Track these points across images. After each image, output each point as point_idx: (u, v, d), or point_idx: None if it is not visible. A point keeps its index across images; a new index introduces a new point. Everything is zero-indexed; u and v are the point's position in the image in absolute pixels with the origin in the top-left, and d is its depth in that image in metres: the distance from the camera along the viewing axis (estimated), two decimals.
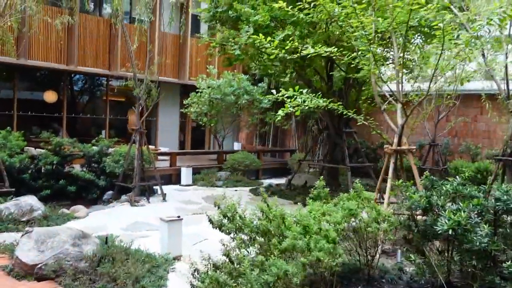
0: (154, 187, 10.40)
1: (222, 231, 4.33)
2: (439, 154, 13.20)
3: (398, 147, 6.06)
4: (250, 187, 12.53)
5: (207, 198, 10.46)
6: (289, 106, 6.04)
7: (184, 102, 14.75)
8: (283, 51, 8.34)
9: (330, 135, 11.34)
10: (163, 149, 14.06)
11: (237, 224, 4.22)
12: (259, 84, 15.02)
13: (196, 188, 11.99)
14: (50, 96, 13.89)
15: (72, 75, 14.55)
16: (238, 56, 9.09)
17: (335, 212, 4.30)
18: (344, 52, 6.30)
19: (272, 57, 8.38)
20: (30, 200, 7.45)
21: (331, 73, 10.62)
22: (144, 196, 9.85)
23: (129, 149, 9.84)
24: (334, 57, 6.36)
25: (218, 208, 4.46)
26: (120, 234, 6.94)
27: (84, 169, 9.94)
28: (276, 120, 6.71)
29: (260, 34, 6.54)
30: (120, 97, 15.85)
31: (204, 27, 17.38)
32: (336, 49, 5.76)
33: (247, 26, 8.59)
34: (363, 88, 11.22)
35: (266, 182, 13.91)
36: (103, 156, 10.09)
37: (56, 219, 7.55)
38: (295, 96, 6.46)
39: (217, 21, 9.67)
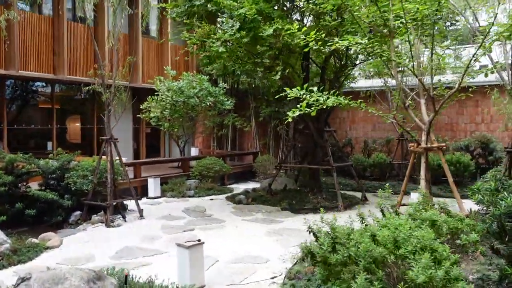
0: (125, 202, 9.26)
1: (329, 266, 3.50)
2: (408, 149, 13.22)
3: (428, 145, 5.64)
4: (225, 195, 11.72)
5: (187, 211, 9.51)
6: (296, 106, 5.36)
7: (141, 107, 13.54)
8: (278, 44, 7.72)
9: (308, 135, 10.84)
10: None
11: (347, 254, 3.44)
12: (219, 85, 14.20)
13: (167, 200, 10.96)
14: None
15: (12, 81, 12.77)
16: (220, 54, 8.27)
17: (417, 226, 3.71)
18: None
19: (264, 51, 7.74)
20: None
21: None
22: (118, 215, 8.71)
23: (99, 162, 8.65)
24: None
25: (313, 234, 3.68)
26: (113, 264, 5.88)
27: (44, 189, 8.57)
28: (288, 120, 6.02)
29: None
30: (68, 104, 14.27)
31: (153, 26, 16.23)
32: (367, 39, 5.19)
33: (231, 20, 7.82)
34: (336, 85, 10.88)
35: (236, 187, 13.16)
36: (65, 172, 8.78)
37: (27, 253, 6.29)
38: (302, 94, 5.82)
39: (191, 16, 8.77)
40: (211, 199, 11.06)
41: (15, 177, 8.20)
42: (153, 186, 11.11)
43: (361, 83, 13.96)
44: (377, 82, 13.55)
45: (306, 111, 5.72)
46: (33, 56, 11.97)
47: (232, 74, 16.05)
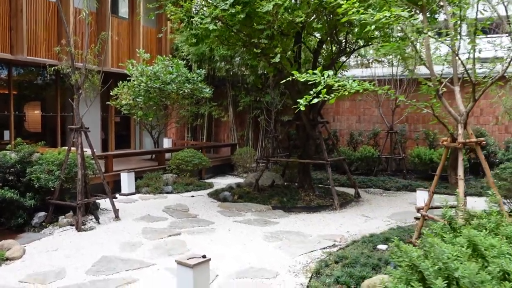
0: (97, 201, 8.12)
1: None
2: (397, 142, 12.66)
3: (467, 140, 4.88)
4: (206, 191, 10.74)
5: (168, 210, 8.47)
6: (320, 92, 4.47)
7: (111, 93, 12.27)
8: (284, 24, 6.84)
9: (299, 126, 9.98)
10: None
11: None
12: (198, 71, 13.09)
13: (142, 197, 9.86)
14: None
15: None
16: (211, 32, 7.23)
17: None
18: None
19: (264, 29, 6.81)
20: None
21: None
22: (90, 216, 7.57)
23: (67, 155, 7.45)
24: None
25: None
26: (90, 281, 4.84)
27: (1, 186, 7.31)
28: (300, 108, 5.11)
29: None
30: (27, 89, 12.76)
31: (124, 5, 14.85)
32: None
33: None
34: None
35: (215, 182, 12.19)
36: (26, 166, 7.54)
37: None
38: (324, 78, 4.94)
39: None
40: (192, 196, 10.04)
41: None
42: (127, 182, 9.97)
43: (354, 72, 13.18)
44: (367, 72, 12.85)
45: (326, 98, 4.84)
46: None
47: (209, 60, 14.98)
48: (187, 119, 15.07)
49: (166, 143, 15.67)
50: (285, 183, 10.81)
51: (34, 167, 7.53)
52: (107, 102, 12.60)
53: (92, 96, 7.67)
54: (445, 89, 5.06)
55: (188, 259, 3.95)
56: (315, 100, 4.88)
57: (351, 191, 10.27)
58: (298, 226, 7.45)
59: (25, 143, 7.91)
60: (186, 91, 12.00)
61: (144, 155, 13.72)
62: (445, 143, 5.12)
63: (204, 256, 4.01)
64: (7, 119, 11.63)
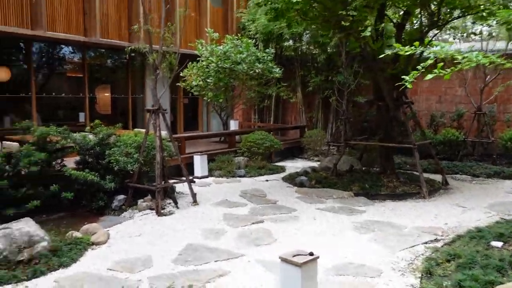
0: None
1: None
2: (486, 124, 11.53)
3: None
4: (278, 175, 10.34)
5: (245, 195, 8.14)
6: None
7: (181, 74, 12.06)
8: None
9: (382, 107, 9.21)
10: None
11: None
12: (267, 50, 12.58)
13: (215, 180, 9.61)
14: (5, 73, 10.71)
15: (40, 45, 11.38)
16: (293, 5, 6.67)
17: None
18: None
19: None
20: (26, 227, 4.83)
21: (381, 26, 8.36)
22: (168, 200, 7.38)
23: (145, 137, 7.27)
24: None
25: None
26: (179, 271, 4.56)
27: (82, 168, 7.28)
28: (407, 87, 4.49)
29: None
30: (99, 72, 12.87)
31: None
32: None
33: None
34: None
35: (286, 166, 11.73)
36: (105, 149, 7.45)
37: (69, 252, 4.99)
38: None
39: None
40: (267, 180, 9.65)
41: (48, 154, 6.91)
42: (200, 165, 9.76)
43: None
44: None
45: (441, 73, 4.18)
46: (62, 16, 10.57)
47: (276, 39, 14.41)
48: (254, 100, 14.66)
49: (233, 125, 15.37)
50: (363, 168, 10.14)
51: (112, 149, 7.44)
52: (177, 84, 12.41)
53: (169, 76, 7.41)
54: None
55: (293, 256, 3.52)
56: (429, 76, 4.25)
57: (436, 177, 9.44)
58: (388, 216, 6.84)
59: (102, 125, 7.83)
60: (256, 71, 11.55)
61: (212, 138, 13.51)
62: None
63: (311, 254, 3.56)
64: (82, 102, 11.78)
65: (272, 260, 4.86)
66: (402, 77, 4.69)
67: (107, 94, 13.60)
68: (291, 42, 14.62)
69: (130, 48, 7.49)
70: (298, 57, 14.67)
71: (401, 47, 4.64)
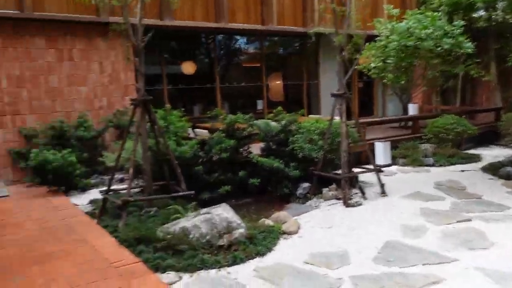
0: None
1: None
2: None
3: None
4: (474, 164, 9.06)
5: (440, 187, 7.21)
6: None
7: (357, 56, 11.41)
8: None
9: None
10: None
11: None
12: (456, 22, 11.03)
13: (400, 169, 8.82)
14: (191, 66, 11.57)
15: (220, 36, 12.04)
16: None
17: None
18: None
19: None
20: (224, 213, 4.90)
21: None
22: (353, 189, 6.93)
23: (330, 123, 6.93)
24: None
25: None
26: (381, 273, 4.05)
27: (267, 155, 7.32)
28: None
29: None
30: (273, 60, 13.08)
31: None
32: None
33: None
34: None
35: (480, 154, 10.19)
36: (288, 136, 7.35)
37: (263, 240, 4.92)
38: None
39: None
40: (462, 171, 8.47)
41: (236, 140, 7.10)
42: (382, 152, 9.04)
43: None
44: None
45: None
46: (240, 7, 10.97)
47: (464, 9, 12.62)
48: (438, 81, 13.15)
49: (412, 109, 14.10)
50: None
51: (295, 136, 7.29)
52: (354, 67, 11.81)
53: (355, 57, 6.91)
54: None
55: None
56: None
57: None
58: None
59: (285, 112, 7.75)
60: (445, 47, 10.22)
61: (391, 123, 12.57)
62: None
63: None
64: (260, 90, 12.09)
65: (494, 268, 4.05)
66: None
67: (279, 82, 13.75)
68: (481, 12, 12.68)
69: (313, 31, 7.18)
70: (493, 28, 12.65)
71: None
